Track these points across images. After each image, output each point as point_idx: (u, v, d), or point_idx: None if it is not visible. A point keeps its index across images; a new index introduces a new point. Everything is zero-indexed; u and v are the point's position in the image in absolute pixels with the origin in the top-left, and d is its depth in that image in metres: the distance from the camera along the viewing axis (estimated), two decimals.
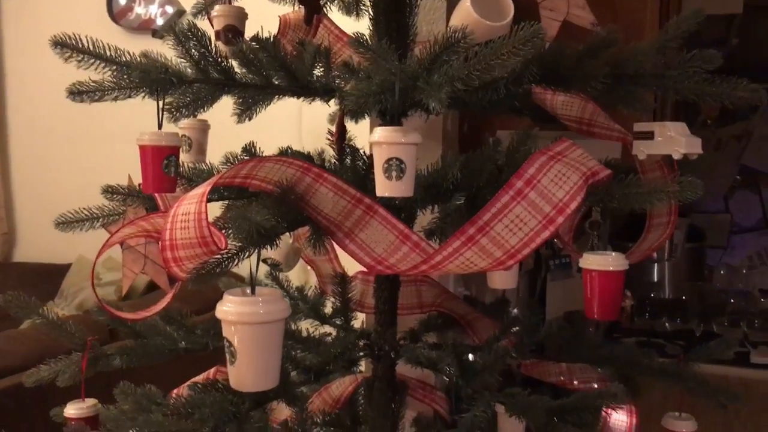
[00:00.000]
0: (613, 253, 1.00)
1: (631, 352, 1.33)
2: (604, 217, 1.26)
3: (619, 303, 0.99)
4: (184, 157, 1.31)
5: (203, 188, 0.88)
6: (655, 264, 2.76)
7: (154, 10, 3.70)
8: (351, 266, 1.41)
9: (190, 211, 0.87)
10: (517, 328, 1.38)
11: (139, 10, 3.74)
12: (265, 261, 1.47)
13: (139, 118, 1.29)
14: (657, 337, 2.45)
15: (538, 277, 2.07)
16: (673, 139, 1.04)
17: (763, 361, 2.21)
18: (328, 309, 1.48)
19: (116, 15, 3.75)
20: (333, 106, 1.31)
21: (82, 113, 3.68)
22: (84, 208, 1.19)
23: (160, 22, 3.66)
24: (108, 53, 0.96)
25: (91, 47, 0.94)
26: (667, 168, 1.17)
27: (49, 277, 3.65)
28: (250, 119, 1.25)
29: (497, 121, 1.62)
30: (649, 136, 1.08)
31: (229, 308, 0.89)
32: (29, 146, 3.95)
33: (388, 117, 1.01)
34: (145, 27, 3.70)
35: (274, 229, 0.89)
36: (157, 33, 3.66)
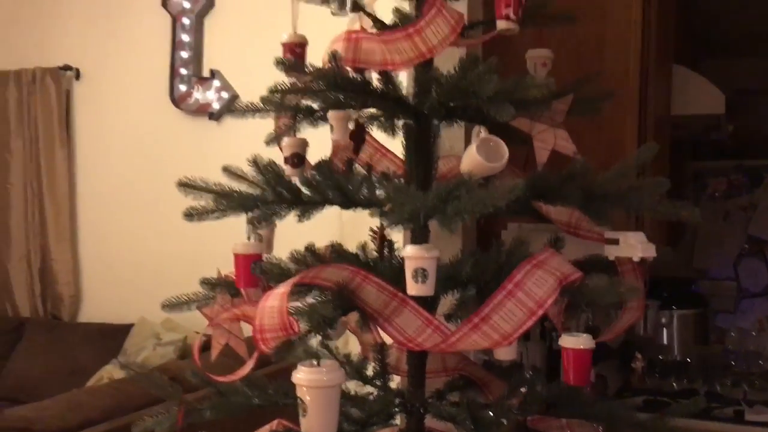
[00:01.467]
0: (584, 335, 1.32)
1: (616, 409, 1.62)
2: None
3: (588, 373, 1.31)
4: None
5: (284, 288, 1.24)
6: (664, 328, 3.03)
7: (211, 95, 4.10)
8: (389, 337, 1.74)
9: (275, 305, 1.23)
10: (524, 388, 1.69)
11: (197, 95, 4.13)
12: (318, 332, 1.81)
13: None
14: (665, 396, 2.69)
15: (544, 346, 2.38)
16: (633, 246, 1.37)
17: (757, 419, 2.43)
18: (369, 371, 1.80)
19: (177, 99, 4.15)
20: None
21: (143, 190, 4.08)
22: (184, 294, 1.55)
23: (216, 106, 4.07)
24: (216, 187, 1.34)
25: (205, 186, 1.32)
26: (636, 264, 1.49)
27: (112, 336, 3.86)
28: (308, 219, 1.61)
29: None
30: (615, 242, 1.41)
31: (301, 376, 1.24)
32: (95, 218, 4.29)
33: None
34: (202, 110, 4.08)
35: (335, 318, 1.24)
36: (213, 116, 4.09)
